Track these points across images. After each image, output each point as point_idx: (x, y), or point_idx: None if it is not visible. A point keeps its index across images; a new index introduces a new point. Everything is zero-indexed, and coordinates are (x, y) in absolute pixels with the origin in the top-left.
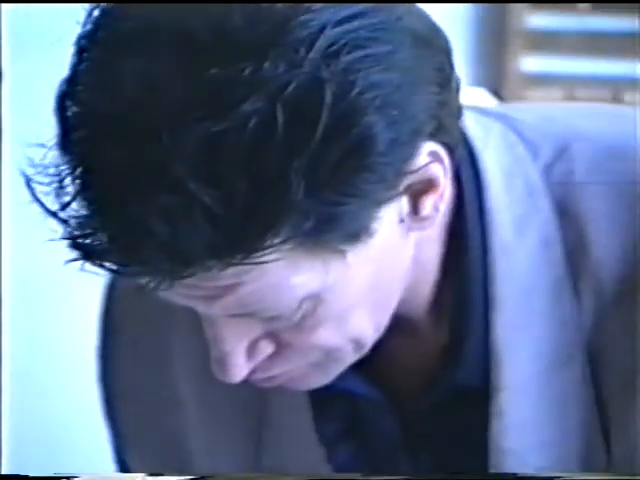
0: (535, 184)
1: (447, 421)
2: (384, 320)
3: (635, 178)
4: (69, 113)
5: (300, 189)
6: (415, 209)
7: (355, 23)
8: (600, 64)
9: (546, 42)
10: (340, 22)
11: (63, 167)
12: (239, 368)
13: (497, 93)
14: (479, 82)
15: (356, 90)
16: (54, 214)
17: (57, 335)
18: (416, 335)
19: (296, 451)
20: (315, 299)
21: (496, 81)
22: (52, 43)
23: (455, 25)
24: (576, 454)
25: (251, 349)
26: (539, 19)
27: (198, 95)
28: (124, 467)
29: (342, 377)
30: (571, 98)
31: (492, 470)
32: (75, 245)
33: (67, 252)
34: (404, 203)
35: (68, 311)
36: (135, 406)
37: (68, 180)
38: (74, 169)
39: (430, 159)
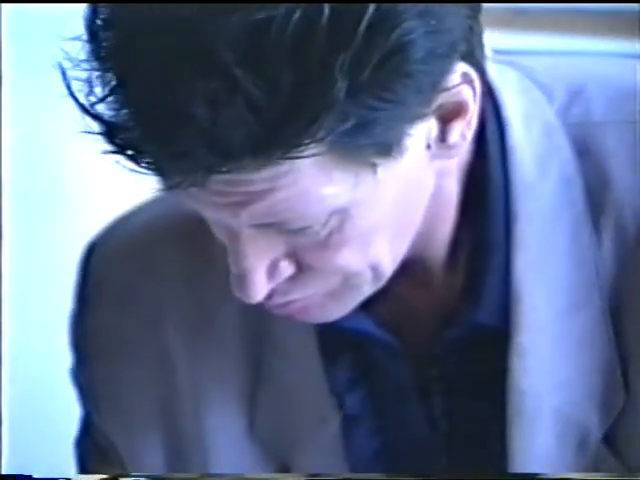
0: (553, 125)
1: (463, 362)
2: (401, 250)
3: None
4: (100, 17)
5: (343, 86)
6: (443, 135)
7: None
8: (568, 42)
9: (513, 19)
10: None
11: (96, 65)
12: (259, 286)
13: None
14: None
15: None
16: (87, 110)
17: (58, 333)
18: (430, 277)
19: (300, 403)
20: (343, 214)
21: None
22: (52, 43)
23: None
24: (594, 394)
25: (272, 269)
26: None
27: None
28: (90, 433)
29: (356, 319)
30: None
31: (509, 410)
32: (110, 139)
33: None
34: (433, 127)
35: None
36: (120, 367)
37: (102, 76)
38: (108, 66)
39: (462, 80)
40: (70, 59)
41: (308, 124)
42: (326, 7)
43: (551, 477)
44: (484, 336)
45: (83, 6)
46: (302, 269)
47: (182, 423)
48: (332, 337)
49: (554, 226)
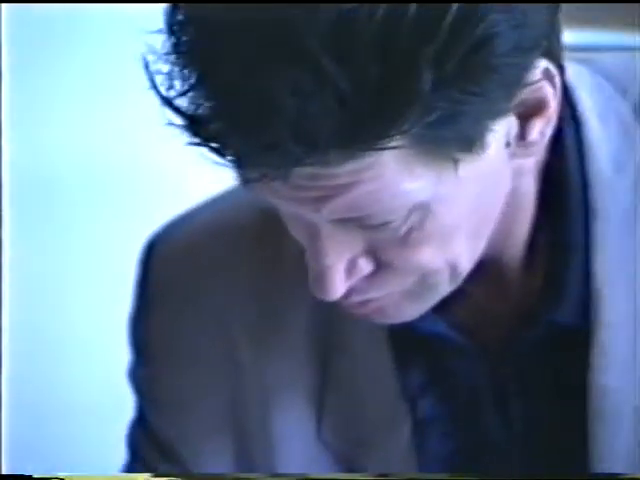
0: (628, 121)
1: (541, 362)
2: (479, 249)
3: None
4: (180, 12)
5: (428, 79)
6: (522, 133)
7: None
8: None
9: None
10: None
11: (176, 59)
12: (338, 284)
13: None
14: None
15: None
16: (170, 104)
17: (58, 328)
18: (506, 277)
19: (370, 407)
20: (425, 210)
21: None
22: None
23: None
24: None
25: (351, 266)
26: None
27: None
28: (146, 431)
29: (430, 321)
30: None
31: (590, 409)
32: (195, 132)
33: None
34: (513, 124)
35: (70, 309)
36: (185, 368)
37: (182, 70)
38: (189, 60)
39: (543, 76)
40: (153, 52)
41: (393, 116)
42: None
43: (633, 477)
44: (563, 335)
45: (82, 6)
46: (380, 267)
47: (250, 425)
48: (405, 339)
49: (632, 223)
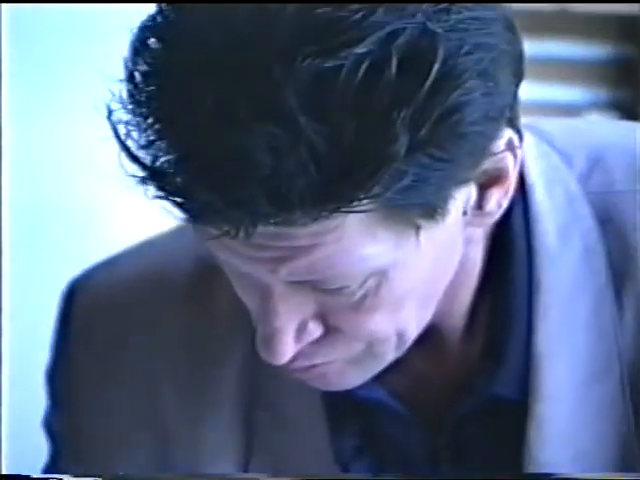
0: (574, 192)
1: (475, 433)
2: (426, 318)
3: None
4: (145, 60)
5: (404, 142)
6: (480, 202)
7: None
8: (550, 90)
9: None
10: None
11: (137, 109)
12: (287, 347)
13: None
14: None
15: (464, 49)
16: (133, 155)
17: None
18: (446, 346)
19: (301, 472)
20: (381, 276)
21: None
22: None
23: None
24: (612, 466)
25: (301, 329)
26: None
27: (309, 32)
28: None
29: (368, 388)
30: None
31: None
32: (159, 186)
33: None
34: (472, 193)
35: None
36: (107, 424)
37: (143, 121)
38: (152, 110)
39: (506, 146)
40: (119, 101)
41: (366, 178)
42: (394, 60)
43: (565, 477)
44: (500, 407)
45: (83, 6)
46: (329, 332)
47: None
48: (340, 404)
49: (576, 296)
